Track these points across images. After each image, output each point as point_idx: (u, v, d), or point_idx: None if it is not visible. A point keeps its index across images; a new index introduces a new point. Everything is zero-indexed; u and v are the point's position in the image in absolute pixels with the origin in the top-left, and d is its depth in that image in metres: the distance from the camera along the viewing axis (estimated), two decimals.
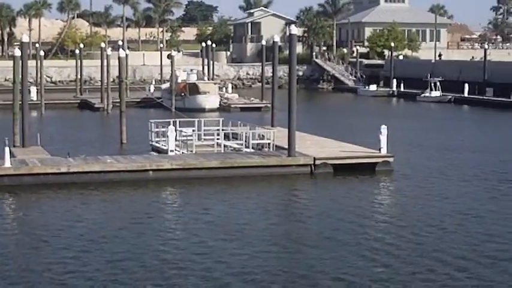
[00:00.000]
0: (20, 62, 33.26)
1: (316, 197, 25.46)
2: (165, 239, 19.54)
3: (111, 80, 60.05)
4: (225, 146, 32.52)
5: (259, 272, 16.78)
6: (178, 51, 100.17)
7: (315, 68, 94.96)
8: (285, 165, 28.90)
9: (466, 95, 68.11)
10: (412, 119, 53.99)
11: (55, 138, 39.78)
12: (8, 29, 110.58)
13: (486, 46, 79.21)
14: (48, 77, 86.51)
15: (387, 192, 26.78)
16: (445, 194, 25.63)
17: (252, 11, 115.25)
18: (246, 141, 32.37)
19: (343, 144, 32.69)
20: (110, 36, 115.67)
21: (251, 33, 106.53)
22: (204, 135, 34.55)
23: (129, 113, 42.28)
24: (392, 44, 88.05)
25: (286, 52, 52.38)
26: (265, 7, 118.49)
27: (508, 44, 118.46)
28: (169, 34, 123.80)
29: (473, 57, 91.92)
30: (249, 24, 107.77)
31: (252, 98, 64.82)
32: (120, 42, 73.78)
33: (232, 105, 61.01)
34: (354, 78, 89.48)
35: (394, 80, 78.10)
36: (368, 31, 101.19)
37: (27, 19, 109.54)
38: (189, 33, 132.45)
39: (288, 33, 33.28)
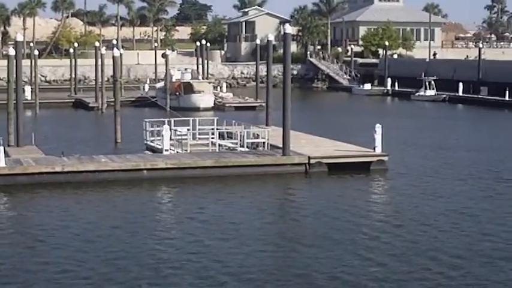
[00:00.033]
0: (14, 61, 33.24)
1: (311, 196, 25.46)
2: (160, 238, 19.52)
3: (106, 79, 59.94)
4: (219, 145, 32.47)
5: (254, 270, 16.78)
6: (173, 51, 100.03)
7: (310, 67, 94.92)
8: (279, 164, 28.89)
9: (460, 94, 68.18)
10: (407, 117, 54.01)
11: (49, 138, 39.67)
12: (2, 28, 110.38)
13: (480, 45, 79.20)
14: (43, 76, 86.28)
15: (382, 191, 26.78)
16: (440, 192, 25.66)
17: (246, 10, 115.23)
18: (240, 140, 32.37)
19: (338, 143, 32.68)
20: (104, 35, 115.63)
21: (245, 32, 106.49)
22: (199, 134, 34.55)
23: (124, 112, 42.29)
24: (387, 43, 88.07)
25: (281, 51, 52.28)
26: (259, 6, 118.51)
27: (502, 43, 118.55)
28: (164, 33, 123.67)
29: (467, 56, 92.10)
30: (243, 23, 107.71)
31: (247, 97, 64.75)
32: (115, 41, 73.83)
33: (227, 105, 60.97)
34: (349, 77, 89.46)
35: (389, 79, 78.03)
36: (362, 30, 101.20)
37: (22, 18, 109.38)
38: (183, 32, 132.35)
39: (282, 32, 33.22)
